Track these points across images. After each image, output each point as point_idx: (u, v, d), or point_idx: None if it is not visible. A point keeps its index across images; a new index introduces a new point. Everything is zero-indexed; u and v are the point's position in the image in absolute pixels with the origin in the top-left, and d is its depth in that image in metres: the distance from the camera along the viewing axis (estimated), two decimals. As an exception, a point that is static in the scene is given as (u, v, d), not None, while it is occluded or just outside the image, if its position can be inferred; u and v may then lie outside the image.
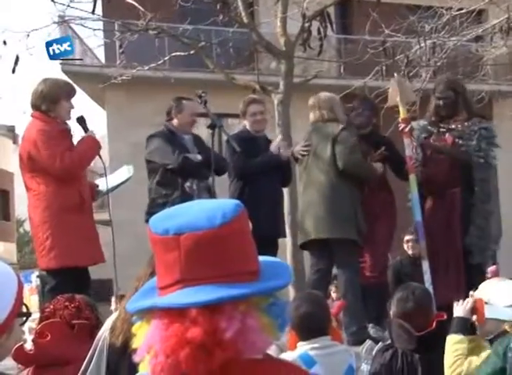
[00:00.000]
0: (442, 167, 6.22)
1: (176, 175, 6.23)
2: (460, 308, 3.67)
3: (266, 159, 6.50)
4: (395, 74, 7.17)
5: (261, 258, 1.69)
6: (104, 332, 3.10)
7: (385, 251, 6.53)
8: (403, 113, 6.32)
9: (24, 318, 2.11)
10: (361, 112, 6.60)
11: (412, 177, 6.19)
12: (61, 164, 5.58)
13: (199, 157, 6.27)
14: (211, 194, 6.23)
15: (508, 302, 3.59)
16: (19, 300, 1.97)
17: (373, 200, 6.32)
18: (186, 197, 5.89)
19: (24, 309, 2.08)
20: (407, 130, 6.21)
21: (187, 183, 6.23)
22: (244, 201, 1.72)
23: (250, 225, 1.71)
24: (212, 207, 1.62)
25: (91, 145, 5.85)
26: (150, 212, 6.37)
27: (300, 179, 6.40)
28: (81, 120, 5.99)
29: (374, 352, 3.93)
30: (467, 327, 3.62)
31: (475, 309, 3.62)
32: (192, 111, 6.51)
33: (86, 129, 5.97)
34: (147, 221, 6.39)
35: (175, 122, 6.46)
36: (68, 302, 3.81)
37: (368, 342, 4.45)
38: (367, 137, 6.46)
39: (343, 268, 6.04)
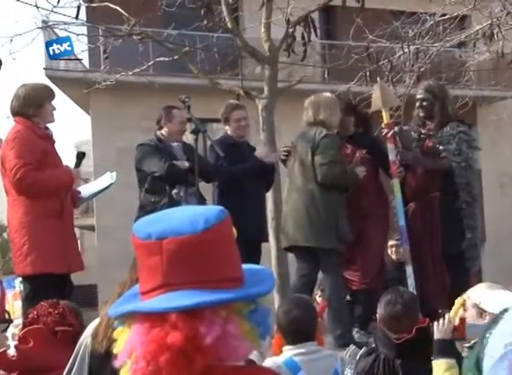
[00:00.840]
0: (422, 172, 6.26)
1: (164, 182, 6.25)
2: (439, 331, 3.67)
3: (250, 165, 6.53)
4: (378, 79, 7.20)
5: (245, 265, 1.70)
6: (85, 338, 3.08)
7: (377, 256, 6.43)
8: (386, 118, 6.33)
9: (6, 325, 2.10)
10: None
11: (396, 182, 6.21)
12: (15, 176, 5.52)
13: (186, 164, 6.28)
14: (200, 200, 6.24)
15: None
16: (1, 307, 1.97)
17: (364, 202, 6.29)
18: (173, 204, 5.90)
19: (6, 316, 2.07)
20: (389, 135, 6.23)
21: (174, 190, 6.25)
22: (228, 206, 1.72)
23: (235, 231, 1.71)
24: (196, 213, 1.63)
25: (61, 181, 5.77)
26: (138, 219, 6.37)
27: (285, 183, 6.38)
28: (80, 156, 6.08)
29: (357, 357, 3.94)
30: (452, 348, 3.63)
31: (456, 329, 3.64)
32: (181, 119, 6.54)
33: (77, 165, 5.99)
34: None
35: (164, 130, 6.51)
36: (52, 308, 3.80)
37: (352, 347, 4.44)
38: (351, 139, 6.46)
39: (326, 273, 6.03)
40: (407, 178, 6.34)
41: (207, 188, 6.76)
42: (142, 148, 6.49)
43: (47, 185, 5.64)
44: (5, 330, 2.04)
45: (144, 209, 6.33)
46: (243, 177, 6.47)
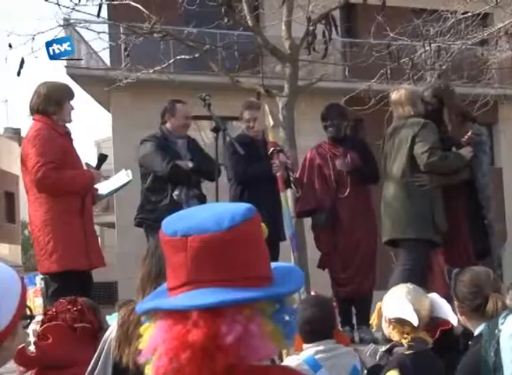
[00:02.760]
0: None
1: (166, 182, 6.22)
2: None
3: (266, 166, 6.45)
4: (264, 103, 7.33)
5: (274, 263, 1.68)
6: (110, 335, 3.08)
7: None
8: (272, 137, 6.49)
9: (28, 321, 2.11)
10: (330, 122, 6.77)
11: (283, 195, 6.29)
12: (36, 174, 5.53)
13: (190, 164, 6.24)
14: (201, 202, 6.19)
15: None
16: (23, 303, 1.97)
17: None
18: (174, 205, 5.84)
19: (28, 312, 2.07)
20: (271, 152, 6.37)
21: (175, 192, 6.20)
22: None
23: (265, 229, 1.69)
24: (222, 210, 1.62)
25: (82, 182, 5.78)
26: (138, 218, 6.38)
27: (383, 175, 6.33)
28: (101, 158, 6.10)
29: (377, 355, 3.92)
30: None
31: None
32: (185, 114, 6.51)
33: (98, 167, 6.02)
34: (136, 225, 6.39)
35: (168, 125, 6.48)
36: (70, 305, 3.81)
37: (372, 345, 4.43)
38: (343, 142, 6.71)
39: (401, 265, 5.91)
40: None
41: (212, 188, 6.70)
42: (146, 144, 6.44)
43: (67, 185, 5.65)
44: (27, 326, 2.05)
45: (145, 208, 6.32)
46: (257, 177, 6.42)
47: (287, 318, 1.61)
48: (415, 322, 3.48)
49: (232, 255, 1.56)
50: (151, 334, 1.59)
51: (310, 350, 3.68)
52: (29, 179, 5.71)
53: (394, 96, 6.14)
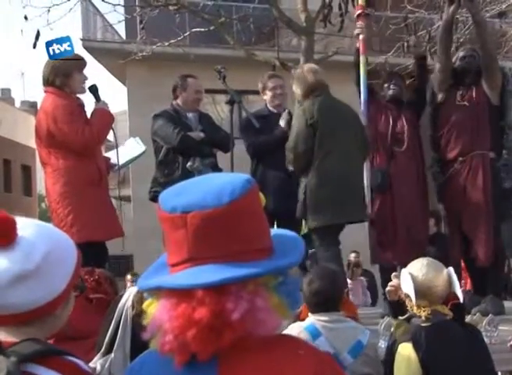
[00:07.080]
0: (471, 128, 6.10)
1: (177, 154, 6.24)
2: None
3: (276, 134, 6.43)
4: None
5: (274, 231, 1.66)
6: (125, 304, 3.09)
7: None
8: (362, 1, 6.59)
9: (78, 291, 2.07)
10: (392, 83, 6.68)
11: (363, 58, 6.48)
12: (82, 138, 5.57)
13: (202, 134, 6.27)
14: (215, 171, 6.19)
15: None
16: (77, 271, 1.91)
17: None
18: (186, 177, 5.82)
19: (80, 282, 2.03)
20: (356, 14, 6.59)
21: (189, 163, 6.21)
22: (259, 178, 1.70)
23: (263, 199, 1.67)
24: (221, 183, 1.58)
25: (106, 119, 5.81)
26: (151, 191, 6.42)
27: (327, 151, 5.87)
28: (93, 89, 5.91)
29: (392, 328, 3.92)
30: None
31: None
32: (196, 88, 6.51)
33: (98, 98, 5.92)
34: (150, 199, 6.42)
35: (179, 100, 6.49)
36: (87, 275, 3.84)
37: (387, 319, 4.45)
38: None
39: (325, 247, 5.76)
40: (456, 133, 6.17)
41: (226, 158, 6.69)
42: (157, 118, 6.48)
43: (104, 128, 5.73)
44: (79, 296, 2.06)
45: (157, 181, 6.35)
46: (270, 148, 6.37)
47: (291, 289, 1.61)
48: (413, 297, 3.49)
49: (233, 230, 1.54)
50: (155, 311, 1.58)
51: (312, 318, 3.71)
52: (44, 152, 5.71)
53: (297, 72, 6.05)
